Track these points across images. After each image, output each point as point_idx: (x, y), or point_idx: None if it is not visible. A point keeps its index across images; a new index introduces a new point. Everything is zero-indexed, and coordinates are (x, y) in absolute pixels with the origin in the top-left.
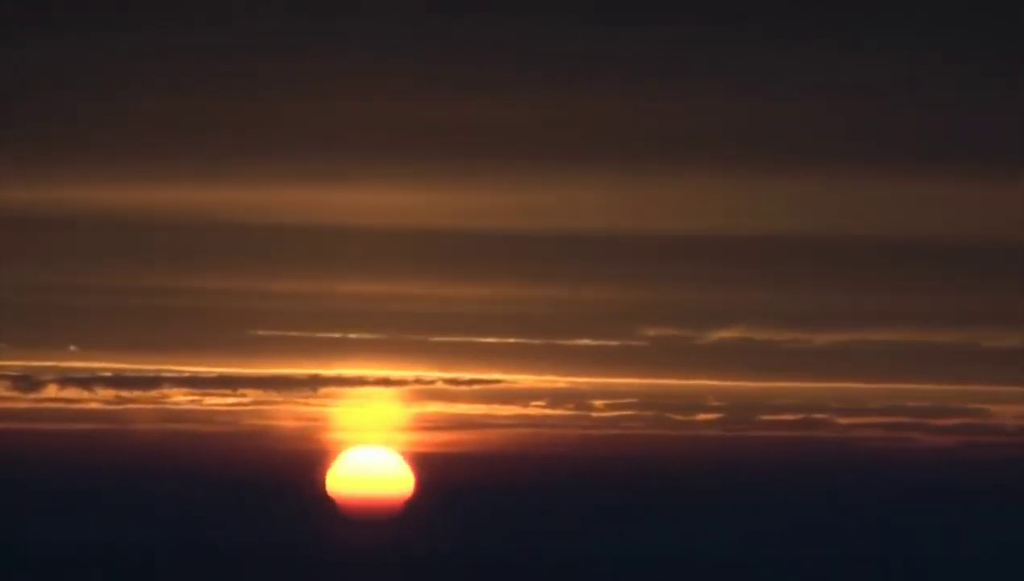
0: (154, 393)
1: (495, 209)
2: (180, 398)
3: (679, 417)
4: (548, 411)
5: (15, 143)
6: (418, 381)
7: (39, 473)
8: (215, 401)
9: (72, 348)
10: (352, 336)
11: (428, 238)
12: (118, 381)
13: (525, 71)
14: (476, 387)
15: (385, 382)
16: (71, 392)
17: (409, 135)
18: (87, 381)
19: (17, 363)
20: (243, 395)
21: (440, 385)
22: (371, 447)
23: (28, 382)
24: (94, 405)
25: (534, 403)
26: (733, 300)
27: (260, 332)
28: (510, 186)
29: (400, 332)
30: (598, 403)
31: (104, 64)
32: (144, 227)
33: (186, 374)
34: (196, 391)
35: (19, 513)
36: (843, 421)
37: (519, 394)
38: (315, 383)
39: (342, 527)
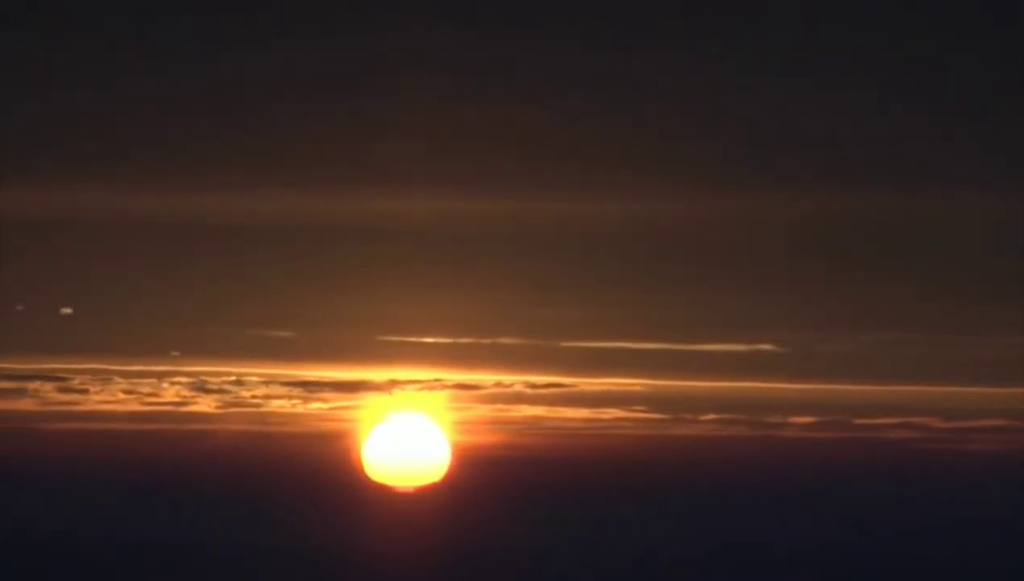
0: (229, 397)
1: (624, 216)
2: (281, 402)
3: (773, 420)
4: (646, 415)
5: (137, 154)
6: (498, 384)
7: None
8: (316, 406)
9: (174, 354)
10: (485, 341)
11: (557, 245)
12: (193, 385)
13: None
14: (554, 390)
15: (461, 386)
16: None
17: (538, 147)
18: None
19: (98, 366)
20: (322, 399)
21: (518, 388)
22: (411, 435)
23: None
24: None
25: (636, 407)
26: (866, 305)
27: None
28: (645, 195)
29: (538, 338)
30: (698, 407)
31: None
32: (258, 233)
33: (265, 378)
34: (276, 395)
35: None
36: (942, 425)
37: (622, 398)
38: (391, 386)
39: (379, 519)
